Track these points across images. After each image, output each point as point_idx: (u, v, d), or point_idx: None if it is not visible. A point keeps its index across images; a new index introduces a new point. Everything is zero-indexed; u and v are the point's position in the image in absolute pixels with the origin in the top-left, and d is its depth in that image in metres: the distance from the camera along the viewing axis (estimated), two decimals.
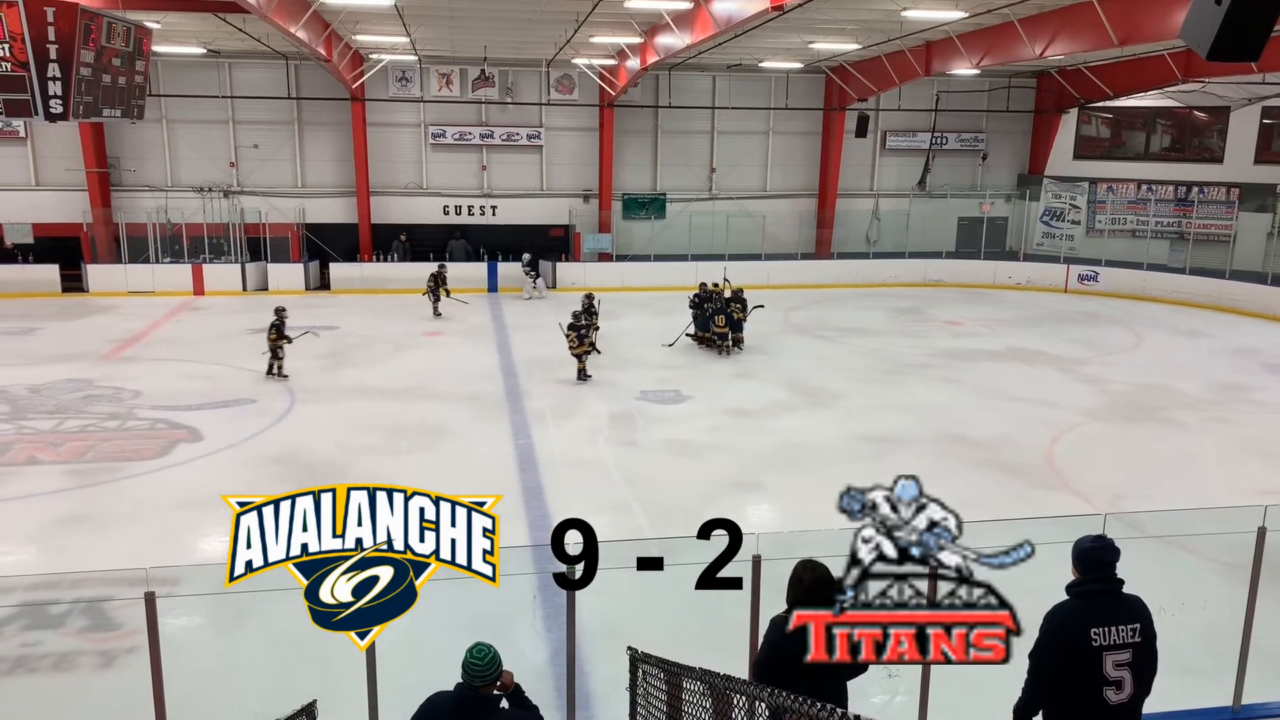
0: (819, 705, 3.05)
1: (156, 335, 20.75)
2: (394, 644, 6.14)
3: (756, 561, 5.44)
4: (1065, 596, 4.44)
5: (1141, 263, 27.52)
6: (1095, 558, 4.33)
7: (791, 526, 10.50)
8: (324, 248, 27.38)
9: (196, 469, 12.44)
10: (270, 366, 16.75)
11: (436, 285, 23.55)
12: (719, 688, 3.93)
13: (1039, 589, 4.63)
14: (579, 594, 5.61)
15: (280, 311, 16.84)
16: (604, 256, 28.20)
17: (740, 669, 5.67)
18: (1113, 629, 4.19)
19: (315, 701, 5.42)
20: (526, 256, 26.34)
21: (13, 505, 11.16)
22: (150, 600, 5.12)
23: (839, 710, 3.03)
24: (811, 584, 4.34)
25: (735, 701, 3.81)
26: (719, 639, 6.69)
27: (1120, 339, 21.58)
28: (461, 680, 4.34)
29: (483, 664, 4.31)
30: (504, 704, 4.48)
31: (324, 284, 26.88)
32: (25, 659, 7.84)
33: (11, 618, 8.35)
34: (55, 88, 12.24)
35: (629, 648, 5.03)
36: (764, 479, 12.27)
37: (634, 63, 23.70)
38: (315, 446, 13.19)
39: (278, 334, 16.56)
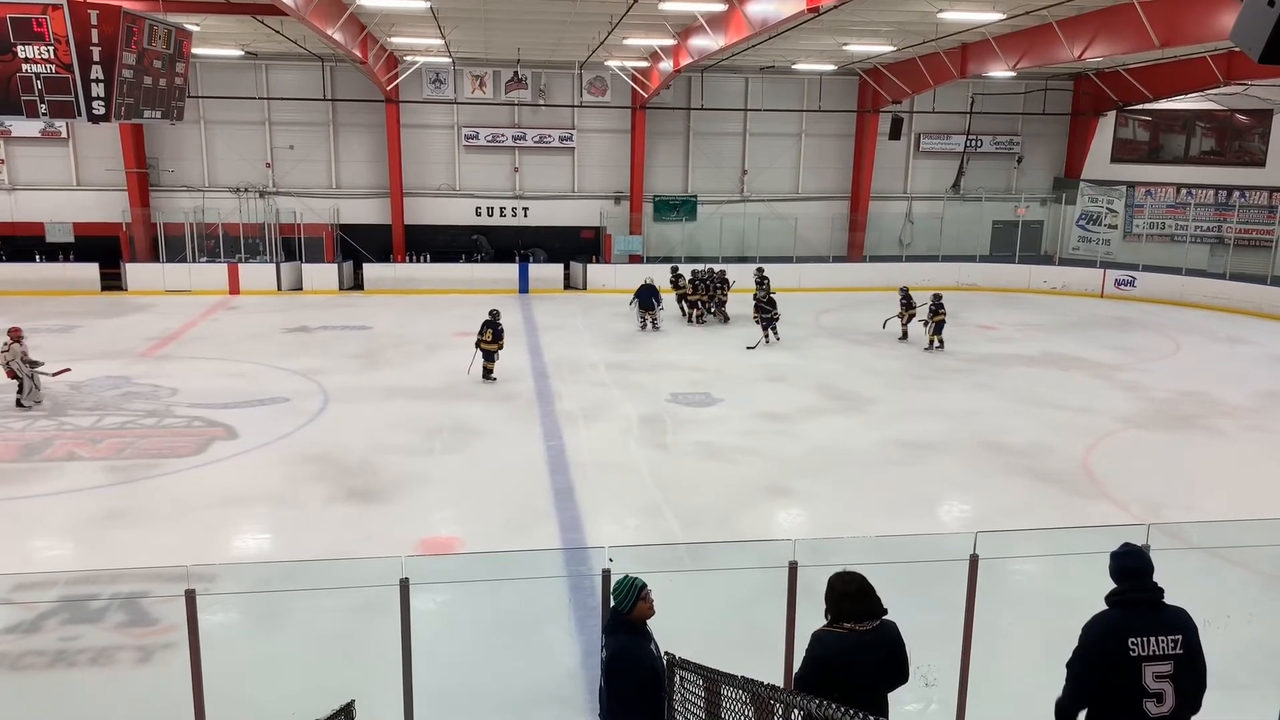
0: (862, 715, 3.02)
1: (193, 334, 21.01)
2: (429, 643, 6.18)
3: (793, 568, 5.40)
4: (1102, 605, 4.38)
5: (1180, 268, 27.12)
6: (1126, 565, 4.28)
7: (824, 532, 10.44)
8: (357, 248, 27.61)
9: (232, 467, 12.57)
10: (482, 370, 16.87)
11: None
12: (761, 696, 3.90)
13: (1078, 599, 4.57)
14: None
15: (495, 314, 17.04)
16: (634, 258, 28.19)
17: (775, 674, 5.65)
18: (1152, 639, 4.10)
19: (353, 702, 5.45)
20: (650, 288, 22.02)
21: (53, 500, 11.33)
22: (190, 597, 5.17)
23: None
24: (847, 595, 4.30)
25: (776, 710, 3.78)
26: (754, 644, 6.66)
27: (1158, 345, 21.26)
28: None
29: (615, 591, 4.92)
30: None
31: (357, 284, 27.10)
32: (65, 653, 7.94)
33: (52, 612, 8.48)
34: (98, 89, 12.41)
35: (666, 653, 5.01)
36: (796, 484, 12.19)
37: (667, 65, 23.69)
38: (349, 445, 13.27)
39: (494, 336, 16.66)
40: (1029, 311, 25.06)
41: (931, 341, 19.97)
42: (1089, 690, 4.21)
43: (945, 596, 6.20)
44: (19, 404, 14.78)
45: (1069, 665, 4.26)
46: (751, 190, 29.82)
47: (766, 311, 20.50)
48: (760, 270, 23.14)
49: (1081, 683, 4.23)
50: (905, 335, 20.96)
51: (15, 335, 14.96)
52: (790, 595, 5.44)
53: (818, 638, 4.27)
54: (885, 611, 4.29)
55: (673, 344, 20.45)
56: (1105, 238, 29.78)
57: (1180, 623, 4.18)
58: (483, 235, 28.48)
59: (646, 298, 21.87)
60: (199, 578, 5.52)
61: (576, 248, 28.79)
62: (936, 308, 19.85)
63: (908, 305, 21.00)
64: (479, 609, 8.28)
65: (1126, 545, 4.35)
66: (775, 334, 20.45)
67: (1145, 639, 4.10)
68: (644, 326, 22.00)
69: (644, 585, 4.84)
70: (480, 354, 16.93)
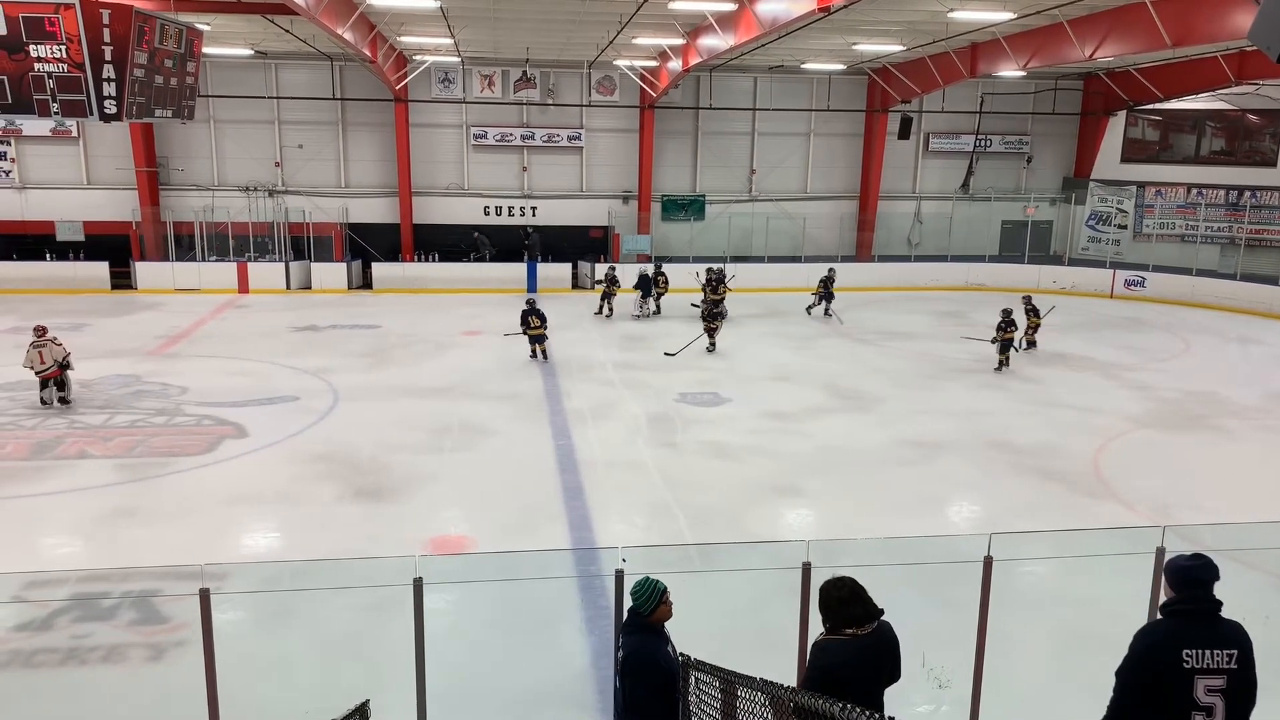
0: (870, 714, 3.01)
1: (202, 332, 21.07)
2: (441, 642, 6.18)
3: (806, 569, 5.40)
4: (1116, 606, 4.32)
5: (1190, 268, 27.02)
6: (1191, 576, 4.11)
7: (832, 532, 10.43)
8: (366, 247, 27.66)
9: (242, 465, 12.60)
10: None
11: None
12: (781, 698, 3.89)
13: (1092, 599, 4.56)
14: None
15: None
16: (643, 258, 28.15)
17: (788, 676, 5.64)
18: (1208, 652, 3.98)
19: (368, 701, 5.45)
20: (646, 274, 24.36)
21: (64, 498, 11.37)
22: (204, 596, 5.18)
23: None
24: (843, 602, 4.26)
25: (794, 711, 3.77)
26: (765, 646, 6.66)
27: (1168, 345, 21.19)
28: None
29: (635, 592, 4.90)
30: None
31: (366, 283, 27.15)
32: (76, 650, 7.97)
33: (63, 610, 8.51)
34: (109, 88, 12.42)
35: (681, 654, 5.02)
36: (803, 483, 12.18)
37: (676, 64, 23.68)
38: (358, 444, 13.29)
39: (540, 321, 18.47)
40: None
41: (1000, 363, 18.24)
42: (1137, 700, 4.13)
43: (956, 597, 6.19)
44: (63, 400, 14.91)
45: (1118, 673, 4.15)
46: (760, 190, 29.79)
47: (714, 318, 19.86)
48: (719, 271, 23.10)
49: (1130, 692, 4.12)
50: (1034, 343, 19.78)
51: (44, 331, 15.04)
52: (804, 597, 5.43)
53: (821, 647, 4.22)
54: (881, 612, 4.26)
55: (678, 343, 20.39)
56: (1115, 238, 29.68)
57: (1237, 638, 4.07)
58: (484, 236, 28.38)
59: (645, 286, 23.87)
60: (211, 576, 5.53)
61: (585, 247, 28.79)
62: (1007, 323, 18.17)
63: (1034, 314, 19.74)
64: (490, 608, 8.29)
65: (1196, 555, 4.18)
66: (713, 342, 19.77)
67: (1201, 652, 3.98)
68: (641, 313, 23.48)
69: (665, 588, 4.84)
70: (529, 340, 18.47)
